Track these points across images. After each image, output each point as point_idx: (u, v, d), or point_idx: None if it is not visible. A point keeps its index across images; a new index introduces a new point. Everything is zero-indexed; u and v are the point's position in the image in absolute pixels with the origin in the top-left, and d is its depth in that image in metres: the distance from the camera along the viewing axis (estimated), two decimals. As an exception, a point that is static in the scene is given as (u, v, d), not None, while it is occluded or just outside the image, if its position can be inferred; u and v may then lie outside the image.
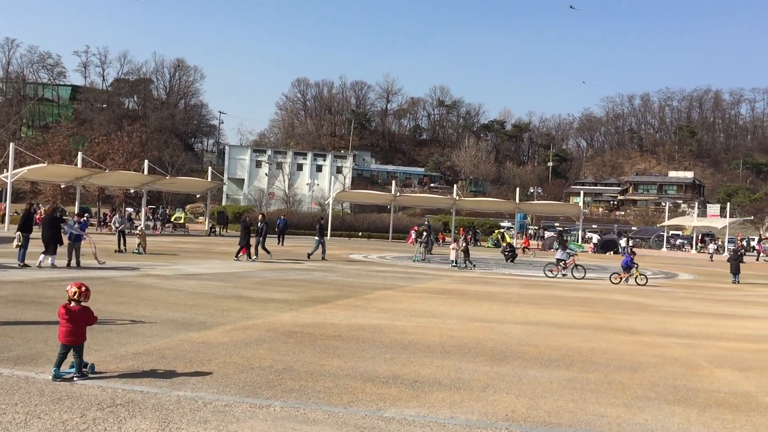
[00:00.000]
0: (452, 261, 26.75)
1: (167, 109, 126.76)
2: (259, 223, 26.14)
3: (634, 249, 29.85)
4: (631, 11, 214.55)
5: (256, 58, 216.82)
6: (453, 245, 27.57)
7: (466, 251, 26.72)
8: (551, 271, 24.14)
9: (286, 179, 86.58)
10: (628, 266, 22.52)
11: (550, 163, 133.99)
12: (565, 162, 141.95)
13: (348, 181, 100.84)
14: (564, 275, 23.90)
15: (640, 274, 22.42)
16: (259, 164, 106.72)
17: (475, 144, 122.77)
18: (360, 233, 56.53)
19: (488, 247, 51.63)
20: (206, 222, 54.80)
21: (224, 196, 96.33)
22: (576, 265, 23.89)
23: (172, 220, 55.37)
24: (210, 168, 61.36)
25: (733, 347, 10.60)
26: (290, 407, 5.98)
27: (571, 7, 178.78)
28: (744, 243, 60.42)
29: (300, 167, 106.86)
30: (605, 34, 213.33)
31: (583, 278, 23.55)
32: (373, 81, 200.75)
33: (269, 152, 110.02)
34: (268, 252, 25.35)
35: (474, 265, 26.53)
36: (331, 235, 51.32)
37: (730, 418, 6.40)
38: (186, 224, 53.57)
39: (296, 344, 8.91)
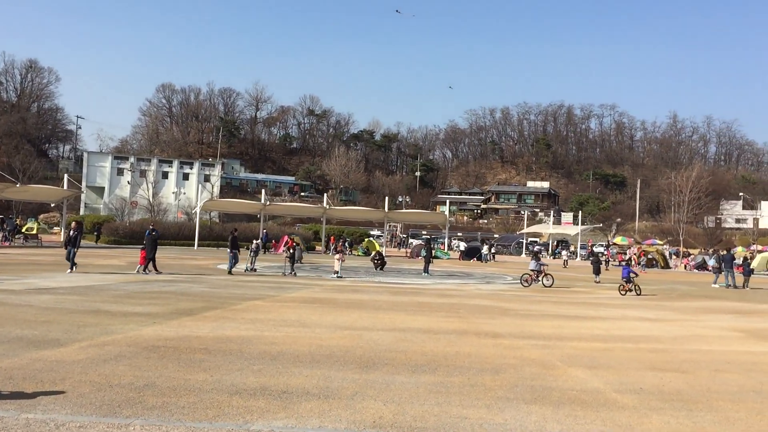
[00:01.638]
0: (335, 272, 26.60)
1: (18, 112, 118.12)
2: (71, 232, 23.57)
3: (531, 254, 31.02)
4: (492, 31, 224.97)
5: (117, 61, 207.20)
6: (337, 256, 27.52)
7: (292, 258, 26.71)
8: (526, 281, 25.79)
9: (150, 188, 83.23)
10: (629, 278, 23.87)
11: (418, 173, 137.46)
12: (432, 172, 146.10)
13: (216, 190, 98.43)
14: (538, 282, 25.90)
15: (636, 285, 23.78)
16: (120, 172, 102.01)
17: (345, 153, 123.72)
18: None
19: (358, 255, 52.13)
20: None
21: (82, 205, 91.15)
22: (546, 274, 25.97)
23: (24, 231, 51.60)
24: (66, 176, 57.77)
25: (585, 347, 11.32)
26: (151, 425, 5.75)
27: (396, 11, 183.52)
28: (603, 249, 64.58)
29: (165, 175, 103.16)
30: (469, 49, 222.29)
31: (551, 286, 25.45)
32: (242, 88, 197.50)
33: (132, 159, 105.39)
34: (153, 269, 24.14)
35: (294, 273, 26.19)
36: (199, 245, 49.86)
37: (581, 414, 6.83)
38: (39, 235, 50.16)
39: (159, 359, 8.58)
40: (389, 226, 71.92)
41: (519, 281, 26.42)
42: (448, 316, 14.93)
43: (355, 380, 7.87)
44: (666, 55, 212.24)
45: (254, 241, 29.73)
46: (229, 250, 26.19)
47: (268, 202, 60.55)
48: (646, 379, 8.75)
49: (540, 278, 25.98)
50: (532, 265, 26.43)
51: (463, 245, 59.34)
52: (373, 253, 34.58)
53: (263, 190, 64.77)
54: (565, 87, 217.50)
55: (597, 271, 31.77)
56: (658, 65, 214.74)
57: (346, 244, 56.28)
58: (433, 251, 36.04)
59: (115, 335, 10.25)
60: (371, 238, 59.68)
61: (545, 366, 9.37)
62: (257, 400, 6.72)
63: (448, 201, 78.48)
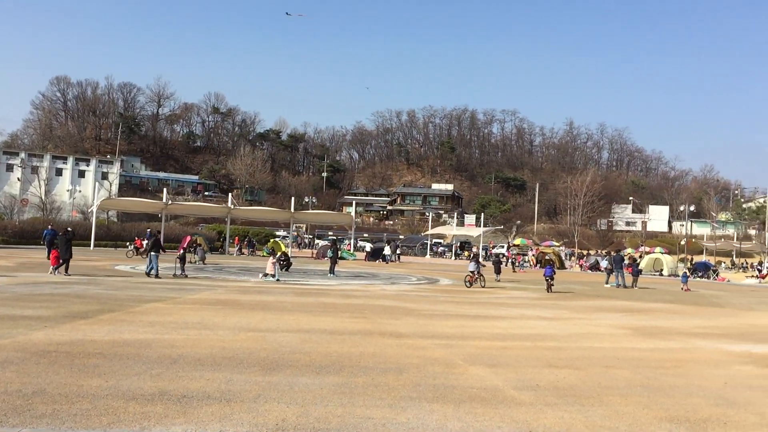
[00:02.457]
0: (270, 274, 26.06)
1: None
2: None
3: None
4: (398, 34, 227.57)
5: (6, 51, 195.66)
6: (272, 259, 27.08)
7: (182, 258, 26.08)
8: (469, 282, 27.15)
9: (43, 185, 79.19)
10: (551, 275, 26.81)
11: (325, 174, 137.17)
12: (339, 173, 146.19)
13: (115, 188, 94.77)
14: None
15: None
16: (10, 168, 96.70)
17: (250, 153, 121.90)
18: (128, 243, 53.19)
19: (264, 255, 51.43)
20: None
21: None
22: (481, 275, 27.62)
23: None
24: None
25: (485, 345, 11.64)
26: (41, 435, 5.47)
27: (287, 13, 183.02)
28: (504, 250, 66.43)
29: (59, 172, 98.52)
30: (376, 52, 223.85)
31: (483, 287, 26.69)
32: (144, 83, 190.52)
33: (23, 155, 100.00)
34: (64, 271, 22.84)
35: (186, 275, 25.55)
36: (95, 245, 47.80)
37: (480, 411, 7.01)
38: None
39: (50, 364, 8.17)
40: (295, 226, 71.39)
41: (464, 282, 27.57)
42: (353, 317, 14.97)
43: (257, 383, 7.77)
44: (563, 63, 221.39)
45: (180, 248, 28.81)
46: (151, 252, 24.84)
47: (169, 202, 58.75)
48: (542, 376, 9.08)
49: (478, 278, 27.56)
50: (472, 266, 27.87)
51: (369, 246, 59.63)
52: (279, 253, 34.26)
53: (165, 189, 62.85)
54: (469, 92, 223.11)
55: (498, 271, 33.28)
56: (556, 73, 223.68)
57: (252, 245, 55.54)
58: (339, 252, 36.05)
59: (1, 340, 9.68)
60: (277, 239, 59.01)
61: (448, 365, 9.56)
62: (155, 406, 6.52)
63: (354, 202, 78.86)
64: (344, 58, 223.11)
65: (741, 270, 66.65)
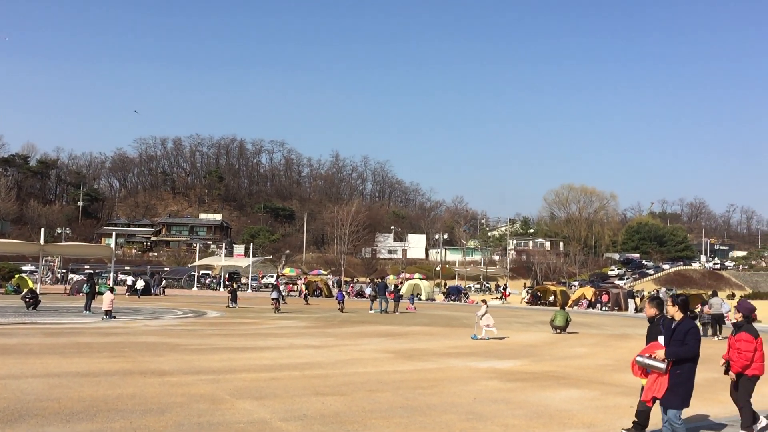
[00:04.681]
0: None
1: None
2: None
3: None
4: (166, 57, 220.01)
5: None
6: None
7: None
8: (274, 308, 30.79)
9: None
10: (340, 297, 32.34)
11: (81, 203, 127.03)
12: (98, 202, 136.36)
13: None
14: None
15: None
16: None
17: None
18: None
19: (7, 293, 46.14)
20: None
21: None
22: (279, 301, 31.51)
23: None
24: None
25: (253, 378, 11.52)
26: None
27: None
28: (274, 279, 66.20)
29: None
30: (138, 76, 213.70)
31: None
32: None
33: None
34: None
35: None
36: None
37: (247, 445, 6.91)
38: None
39: None
40: (45, 260, 65.08)
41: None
42: (111, 357, 13.99)
43: (-4, 438, 6.95)
44: (328, 96, 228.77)
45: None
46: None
47: None
48: (310, 405, 9.21)
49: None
50: (275, 294, 32.00)
51: (131, 279, 56.15)
52: (25, 290, 30.93)
53: None
54: (237, 121, 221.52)
55: (234, 299, 35.03)
56: (321, 105, 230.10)
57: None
58: (97, 287, 33.55)
59: None
60: (23, 275, 53.31)
61: (214, 401, 9.31)
62: None
63: (114, 233, 73.70)
64: (103, 80, 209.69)
65: (488, 292, 73.35)
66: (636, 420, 7.84)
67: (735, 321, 8.51)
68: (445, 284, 72.47)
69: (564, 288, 56.00)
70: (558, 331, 23.58)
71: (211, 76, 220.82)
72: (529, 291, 57.84)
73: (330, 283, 63.58)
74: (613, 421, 8.67)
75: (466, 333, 22.91)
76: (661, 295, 43.37)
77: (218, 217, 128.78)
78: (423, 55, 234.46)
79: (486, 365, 14.31)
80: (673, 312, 7.21)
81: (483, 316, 20.56)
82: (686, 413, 9.06)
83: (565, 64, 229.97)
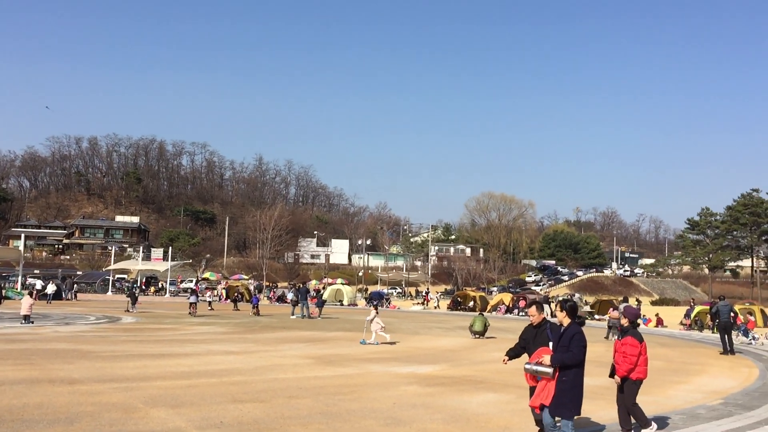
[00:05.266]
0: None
1: None
2: None
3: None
4: (79, 51, 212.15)
5: None
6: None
7: None
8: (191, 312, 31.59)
9: None
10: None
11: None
12: (6, 202, 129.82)
13: None
14: None
15: None
16: None
17: None
18: None
19: None
20: None
21: None
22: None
23: None
24: None
25: (168, 385, 11.23)
26: None
27: None
28: (193, 284, 64.66)
29: None
30: (50, 74, 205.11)
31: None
32: None
33: None
34: None
35: None
36: None
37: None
38: None
39: None
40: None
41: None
42: (17, 364, 13.36)
43: None
44: (251, 98, 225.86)
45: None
46: None
47: None
48: (227, 412, 9.06)
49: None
50: (193, 298, 33.22)
51: (40, 284, 53.73)
52: None
53: None
54: (157, 122, 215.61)
55: (134, 302, 35.22)
56: (244, 108, 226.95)
57: None
58: (4, 291, 31.99)
59: None
60: None
61: (126, 410, 9.03)
62: None
63: (23, 235, 70.48)
64: (16, 76, 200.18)
65: (409, 298, 74.03)
66: (540, 429, 7.77)
67: (622, 326, 8.65)
68: (367, 289, 72.69)
69: (483, 294, 57.09)
70: (477, 336, 24.02)
71: (130, 76, 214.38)
72: (441, 296, 63.90)
73: (251, 288, 62.69)
74: (528, 425, 8.90)
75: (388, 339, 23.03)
76: (575, 300, 44.99)
77: (136, 219, 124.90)
78: (346, 61, 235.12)
79: (406, 370, 14.43)
80: (561, 317, 7.27)
81: (372, 320, 20.50)
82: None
83: (486, 72, 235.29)
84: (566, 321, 7.19)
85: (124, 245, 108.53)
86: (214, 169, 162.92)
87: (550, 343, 7.34)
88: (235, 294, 49.84)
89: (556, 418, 6.98)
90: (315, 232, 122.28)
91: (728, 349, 20.15)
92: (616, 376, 8.37)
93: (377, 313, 20.88)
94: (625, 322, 8.59)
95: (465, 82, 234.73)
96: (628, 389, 8.27)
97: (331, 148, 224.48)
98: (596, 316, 39.81)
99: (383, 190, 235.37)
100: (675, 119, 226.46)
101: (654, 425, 8.45)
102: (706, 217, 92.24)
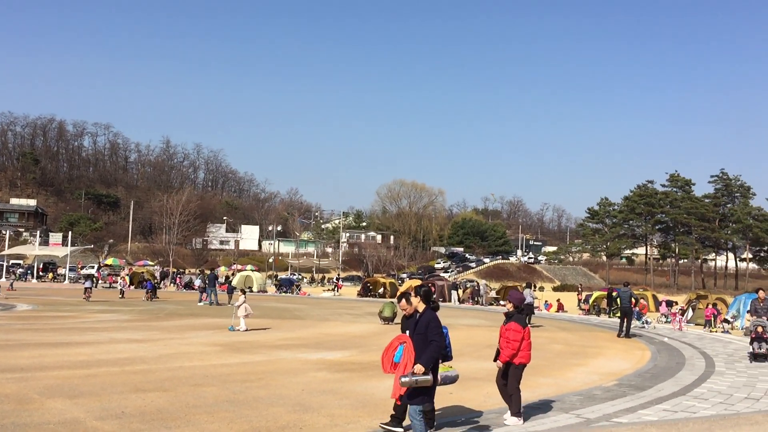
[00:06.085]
0: None
1: None
2: None
3: None
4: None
5: None
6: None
7: None
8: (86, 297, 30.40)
9: None
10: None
11: None
12: None
13: None
14: None
15: None
16: None
17: None
18: None
19: None
20: None
21: None
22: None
23: None
24: None
25: (66, 375, 10.81)
26: None
27: None
28: (95, 270, 62.10)
29: None
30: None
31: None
32: None
33: None
34: None
35: None
36: None
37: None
38: None
39: None
40: None
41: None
42: None
43: None
44: (159, 80, 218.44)
45: None
46: None
47: None
48: (129, 402, 8.81)
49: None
50: (88, 284, 32.95)
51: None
52: None
53: None
54: (56, 101, 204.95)
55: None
56: (152, 89, 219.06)
57: None
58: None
59: None
60: None
61: (21, 401, 8.64)
62: None
63: None
64: None
65: (319, 284, 73.95)
66: (394, 414, 7.68)
67: (506, 311, 8.58)
68: (277, 276, 72.07)
69: (393, 280, 57.72)
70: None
71: (27, 52, 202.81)
72: (336, 280, 64.72)
73: (157, 274, 60.96)
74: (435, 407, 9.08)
75: (297, 325, 22.99)
76: (481, 287, 46.08)
77: (32, 202, 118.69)
78: (261, 47, 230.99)
79: (315, 357, 14.44)
80: (416, 303, 7.18)
81: (239, 306, 20.30)
82: (451, 402, 9.71)
83: (401, 61, 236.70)
84: (421, 307, 7.11)
85: (20, 229, 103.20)
86: (118, 152, 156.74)
87: (407, 331, 7.14)
88: (139, 281, 48.38)
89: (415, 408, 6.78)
90: (224, 218, 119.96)
91: (625, 333, 21.26)
92: (498, 361, 8.42)
93: (245, 299, 20.63)
94: (510, 307, 8.54)
95: (378, 70, 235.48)
96: (512, 374, 8.29)
97: (242, 132, 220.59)
98: (501, 302, 41.03)
99: (295, 176, 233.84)
100: (578, 111, 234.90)
101: (521, 420, 8.27)
102: (605, 207, 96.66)
